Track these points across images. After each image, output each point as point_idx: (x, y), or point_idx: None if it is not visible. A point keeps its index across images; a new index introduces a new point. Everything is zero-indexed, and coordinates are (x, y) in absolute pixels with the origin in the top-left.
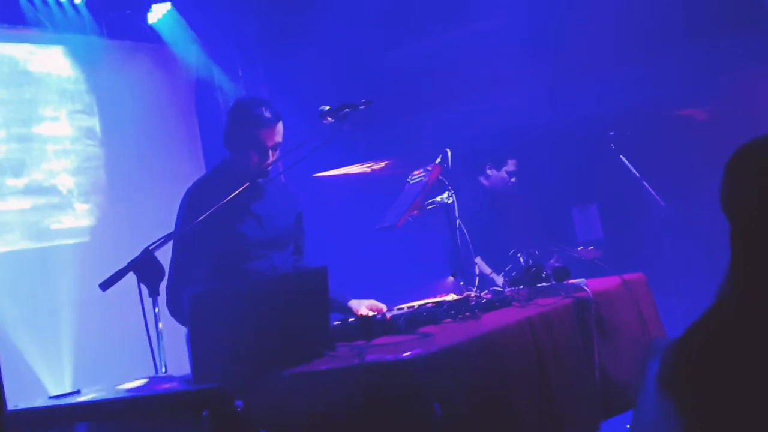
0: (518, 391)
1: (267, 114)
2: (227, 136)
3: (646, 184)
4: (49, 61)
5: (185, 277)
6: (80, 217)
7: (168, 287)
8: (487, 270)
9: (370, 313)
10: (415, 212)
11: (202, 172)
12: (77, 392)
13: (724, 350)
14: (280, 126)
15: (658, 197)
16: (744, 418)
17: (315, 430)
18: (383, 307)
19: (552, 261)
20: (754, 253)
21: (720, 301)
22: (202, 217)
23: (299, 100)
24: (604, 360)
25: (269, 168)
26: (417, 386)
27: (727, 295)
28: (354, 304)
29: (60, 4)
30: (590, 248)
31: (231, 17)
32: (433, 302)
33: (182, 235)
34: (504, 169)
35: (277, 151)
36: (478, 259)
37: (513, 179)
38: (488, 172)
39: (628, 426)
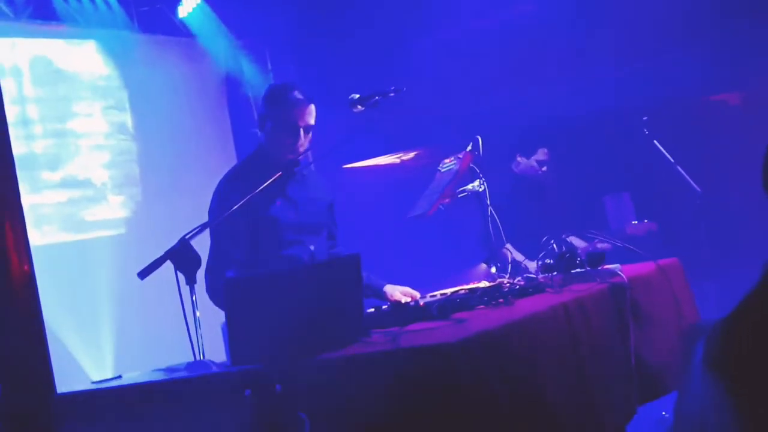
0: (553, 376)
1: (298, 95)
2: (260, 119)
3: (680, 169)
4: (82, 57)
5: (224, 261)
6: (115, 209)
7: (207, 271)
8: (520, 257)
9: (404, 299)
10: (447, 200)
11: (233, 162)
12: (118, 377)
13: None
14: (311, 108)
15: (692, 182)
16: None
17: (350, 415)
18: (417, 294)
19: (592, 246)
20: None
21: (766, 279)
22: (238, 205)
23: (329, 92)
24: (639, 345)
25: (302, 150)
26: (453, 371)
27: None
28: (388, 289)
29: (92, 0)
30: (645, 221)
31: (260, 10)
32: (466, 289)
33: (219, 222)
34: (534, 158)
35: (310, 134)
36: (508, 246)
37: (544, 168)
38: (518, 159)
39: (663, 412)
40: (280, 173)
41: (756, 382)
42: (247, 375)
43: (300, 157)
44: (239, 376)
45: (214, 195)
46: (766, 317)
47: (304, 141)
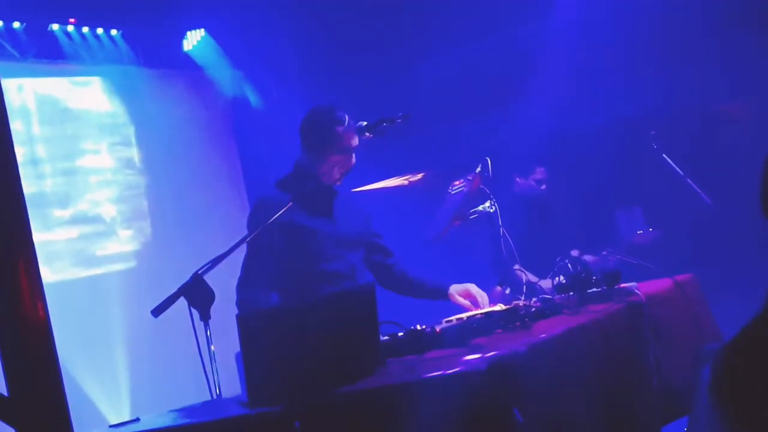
0: (576, 398)
1: (347, 118)
2: (308, 139)
3: (691, 182)
4: (88, 95)
5: (258, 277)
6: (124, 242)
7: (238, 286)
8: (533, 278)
9: (465, 303)
10: (458, 222)
11: (242, 193)
12: (136, 420)
13: None
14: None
15: (703, 195)
16: None
17: None
18: (483, 295)
19: (602, 260)
20: None
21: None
22: (273, 218)
23: None
24: (660, 364)
25: (348, 171)
26: (475, 399)
27: None
28: (455, 289)
29: (97, 37)
30: (650, 229)
31: (264, 38)
32: (482, 313)
33: (254, 239)
34: (531, 177)
35: (354, 156)
36: (520, 268)
37: (543, 186)
38: (517, 180)
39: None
40: (290, 204)
41: (748, 411)
42: (265, 417)
43: (347, 172)
44: (258, 419)
45: (252, 211)
46: (760, 347)
47: (353, 161)
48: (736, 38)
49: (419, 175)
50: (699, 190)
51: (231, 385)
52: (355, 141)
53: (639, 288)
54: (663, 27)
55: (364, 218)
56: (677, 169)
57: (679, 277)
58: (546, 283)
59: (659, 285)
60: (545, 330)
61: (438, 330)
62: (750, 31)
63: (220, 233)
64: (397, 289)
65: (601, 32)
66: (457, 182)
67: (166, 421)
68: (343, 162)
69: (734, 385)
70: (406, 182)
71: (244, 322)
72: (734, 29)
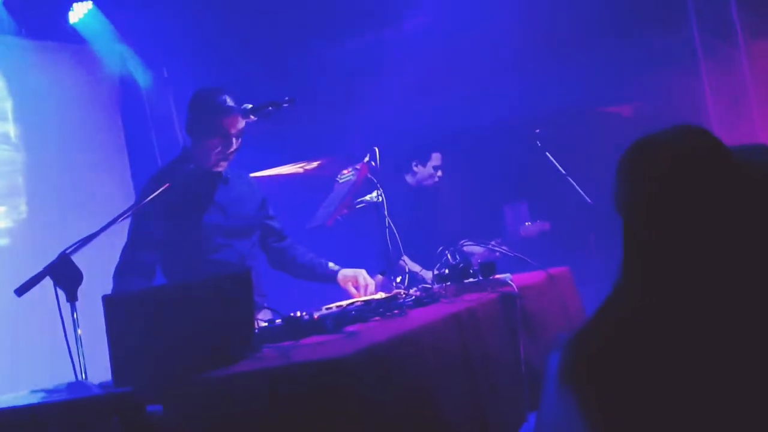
0: (444, 386)
1: (230, 102)
2: (190, 124)
3: (572, 181)
4: None
5: (136, 266)
6: None
7: (115, 274)
8: (416, 268)
9: (351, 290)
10: (345, 211)
11: (127, 173)
12: None
13: (620, 344)
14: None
15: (584, 194)
16: (644, 411)
17: None
18: (370, 283)
19: (489, 252)
20: (646, 251)
21: (614, 297)
22: (144, 201)
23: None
24: (529, 353)
25: (231, 157)
26: (342, 386)
27: (621, 290)
28: (343, 274)
29: None
30: (537, 221)
31: (156, 16)
32: (361, 301)
33: (135, 225)
34: (430, 164)
35: (240, 140)
36: (404, 258)
37: (439, 173)
38: (415, 169)
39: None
40: (167, 185)
41: (603, 397)
42: (115, 399)
43: (230, 158)
44: (107, 401)
45: (136, 198)
46: (611, 333)
47: (234, 147)
48: (619, 44)
49: (315, 163)
50: (579, 189)
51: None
52: (236, 126)
53: (513, 279)
54: (550, 28)
55: (259, 202)
56: (560, 168)
57: (553, 270)
58: (428, 274)
59: (533, 277)
60: (420, 318)
61: (316, 317)
62: (633, 34)
63: (99, 215)
64: (290, 271)
65: (490, 31)
66: (345, 171)
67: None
68: (221, 147)
69: (586, 372)
70: (301, 170)
71: (109, 303)
72: (617, 37)
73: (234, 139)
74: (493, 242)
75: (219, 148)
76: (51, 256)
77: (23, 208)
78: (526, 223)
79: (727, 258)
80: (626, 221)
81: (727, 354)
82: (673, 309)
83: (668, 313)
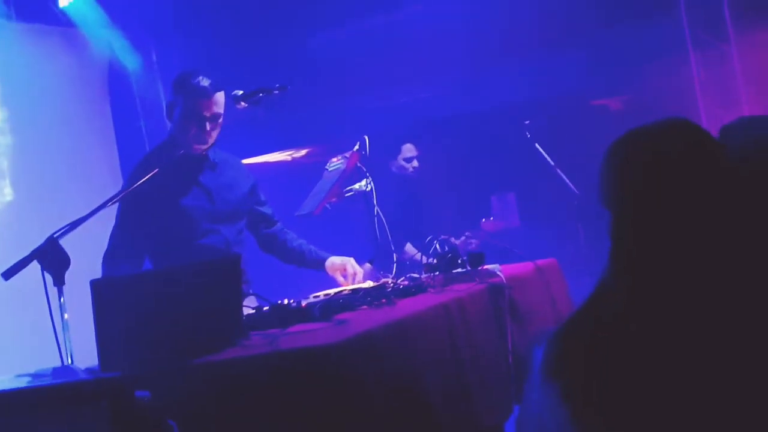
0: (432, 376)
1: (204, 83)
2: (167, 109)
3: (560, 172)
4: None
5: (125, 251)
6: None
7: (104, 259)
8: (418, 255)
9: (339, 278)
10: (334, 200)
11: (115, 158)
12: None
13: (604, 337)
14: (218, 96)
15: (571, 185)
16: (627, 404)
17: (226, 420)
18: (358, 271)
19: (470, 245)
20: (630, 245)
21: (600, 290)
22: (132, 187)
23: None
24: (517, 344)
25: (210, 140)
26: (329, 374)
27: (606, 285)
28: (331, 262)
29: None
30: (490, 219)
31: (148, 2)
32: (349, 289)
33: (123, 209)
34: (400, 156)
35: (219, 123)
36: (408, 246)
37: (413, 163)
38: (390, 161)
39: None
40: (156, 170)
41: (588, 389)
42: (104, 384)
43: (209, 147)
44: (95, 386)
45: (124, 183)
46: (596, 326)
47: (211, 130)
48: (612, 34)
49: (303, 151)
50: (567, 180)
51: (90, 358)
52: (211, 108)
53: (501, 270)
54: (540, 19)
55: (248, 188)
56: (548, 159)
57: (541, 262)
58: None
59: (521, 268)
60: (408, 307)
61: (304, 305)
62: (623, 26)
63: (87, 200)
64: (279, 256)
65: (482, 21)
66: (334, 159)
67: (4, 384)
68: (196, 129)
69: (571, 365)
70: (289, 158)
71: (97, 288)
72: (609, 23)
73: (207, 122)
74: (464, 236)
75: (194, 131)
76: (37, 240)
77: (8, 190)
78: (490, 218)
79: (712, 252)
80: (612, 215)
81: (711, 346)
82: (658, 303)
83: (652, 307)
